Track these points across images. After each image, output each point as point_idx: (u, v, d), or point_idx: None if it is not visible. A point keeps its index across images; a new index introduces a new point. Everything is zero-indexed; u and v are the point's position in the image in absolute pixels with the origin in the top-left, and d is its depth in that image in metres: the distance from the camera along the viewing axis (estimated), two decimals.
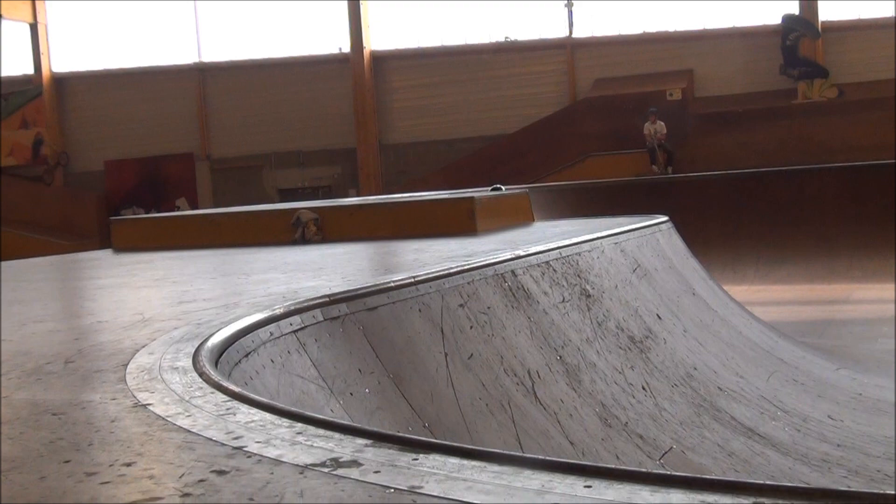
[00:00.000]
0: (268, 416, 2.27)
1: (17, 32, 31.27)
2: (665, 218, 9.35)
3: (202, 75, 29.75)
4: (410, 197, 12.37)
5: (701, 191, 17.13)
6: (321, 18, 28.68)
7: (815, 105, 23.12)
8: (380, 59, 27.83)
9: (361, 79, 27.51)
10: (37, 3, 30.72)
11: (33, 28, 30.95)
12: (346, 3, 27.60)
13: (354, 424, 2.54)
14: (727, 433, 6.33)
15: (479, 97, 26.68)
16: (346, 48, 27.88)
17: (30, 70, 31.29)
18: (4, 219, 29.75)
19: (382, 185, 26.92)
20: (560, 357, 5.77)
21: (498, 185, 14.61)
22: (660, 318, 7.29)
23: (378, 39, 27.88)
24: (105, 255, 10.08)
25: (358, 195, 25.30)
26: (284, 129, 28.45)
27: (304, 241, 9.35)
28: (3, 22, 30.55)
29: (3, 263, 10.33)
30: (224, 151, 29.53)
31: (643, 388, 6.21)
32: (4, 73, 31.39)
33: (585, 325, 6.33)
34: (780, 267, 15.40)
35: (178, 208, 28.54)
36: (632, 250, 7.84)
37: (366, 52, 27.55)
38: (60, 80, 31.31)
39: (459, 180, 21.76)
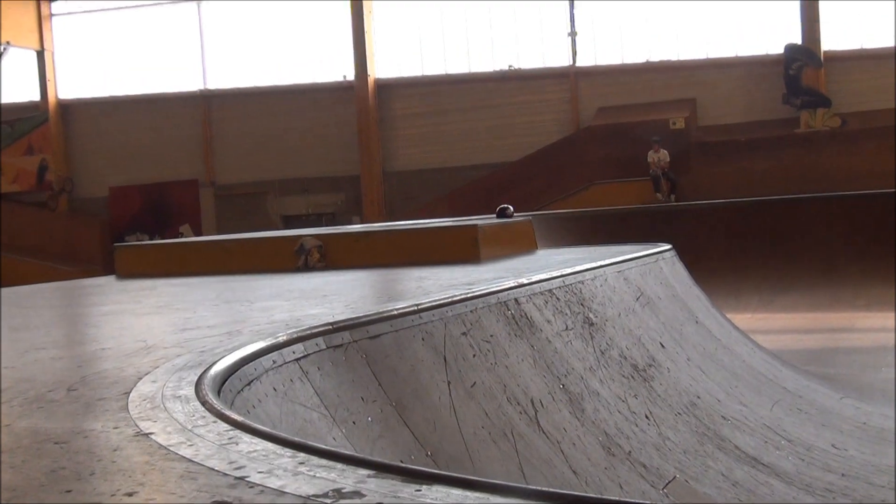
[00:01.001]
0: (270, 445, 2.27)
1: (24, 59, 31.47)
2: (668, 246, 9.34)
3: (207, 102, 29.89)
4: (414, 224, 12.39)
5: (704, 219, 17.14)
6: (326, 46, 28.82)
7: (817, 134, 23.17)
8: (384, 86, 27.95)
9: (366, 106, 27.62)
10: (44, 30, 30.94)
11: (40, 55, 31.15)
12: (350, 31, 27.76)
13: (357, 455, 2.53)
14: (731, 462, 6.30)
15: (483, 125, 26.76)
16: (351, 76, 28.01)
17: (36, 96, 31.47)
18: (9, 245, 29.80)
19: (386, 213, 26.96)
20: (563, 385, 5.75)
21: (506, 206, 14.53)
22: (663, 346, 7.27)
23: (382, 67, 28.01)
24: (108, 282, 10.09)
25: (361, 222, 25.34)
26: (289, 156, 28.53)
27: (308, 268, 9.35)
28: (11, 49, 30.76)
29: (7, 289, 10.34)
30: (228, 178, 29.61)
31: (646, 417, 6.19)
32: (11, 100, 31.57)
33: (588, 353, 6.32)
34: (784, 295, 15.37)
35: (182, 235, 28.58)
36: (635, 278, 7.84)
37: (370, 80, 27.68)
38: (66, 107, 31.46)
39: (463, 208, 21.79)
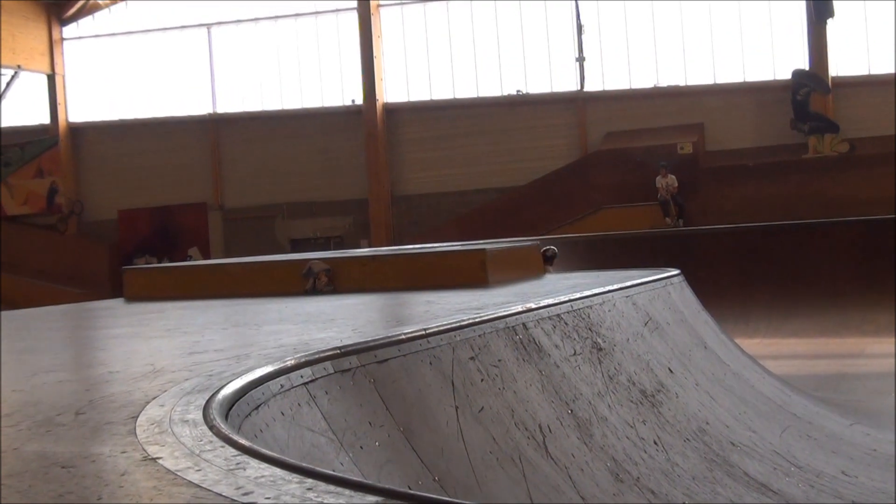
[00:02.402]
0: (278, 471, 2.26)
1: (35, 83, 31.68)
2: (677, 271, 9.33)
3: (216, 126, 30.01)
4: (422, 248, 12.40)
5: (712, 244, 17.12)
6: (335, 71, 28.96)
7: (825, 159, 23.17)
8: (392, 111, 28.05)
9: (374, 131, 27.71)
10: (55, 54, 31.15)
11: (51, 79, 31.35)
12: (359, 56, 27.89)
13: (365, 481, 2.52)
14: (740, 489, 6.26)
15: (491, 149, 26.81)
16: (360, 100, 28.12)
17: (46, 120, 31.65)
18: (18, 267, 29.90)
19: (394, 237, 26.98)
20: (571, 411, 5.73)
21: (550, 247, 14.45)
22: (672, 371, 7.25)
23: (391, 92, 28.12)
24: (117, 305, 10.10)
25: (369, 246, 25.36)
26: (297, 180, 28.61)
27: (316, 291, 9.36)
28: (22, 72, 30.97)
29: (15, 312, 10.35)
30: (237, 201, 29.69)
31: (655, 443, 6.16)
32: (22, 123, 31.76)
33: (597, 378, 6.30)
34: (793, 320, 15.32)
35: (191, 257, 28.63)
36: (643, 303, 7.82)
37: (379, 105, 27.77)
38: (76, 130, 31.63)
39: (471, 232, 21.81)
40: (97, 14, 30.88)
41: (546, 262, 12.85)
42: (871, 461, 7.51)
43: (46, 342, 6.74)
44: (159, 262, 26.66)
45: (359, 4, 27.82)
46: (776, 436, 7.40)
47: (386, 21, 28.17)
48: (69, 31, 31.51)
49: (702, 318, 9.11)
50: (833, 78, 24.18)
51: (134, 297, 10.28)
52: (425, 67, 28.00)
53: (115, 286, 16.43)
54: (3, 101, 31.78)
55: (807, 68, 24.26)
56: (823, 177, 22.15)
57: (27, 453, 2.66)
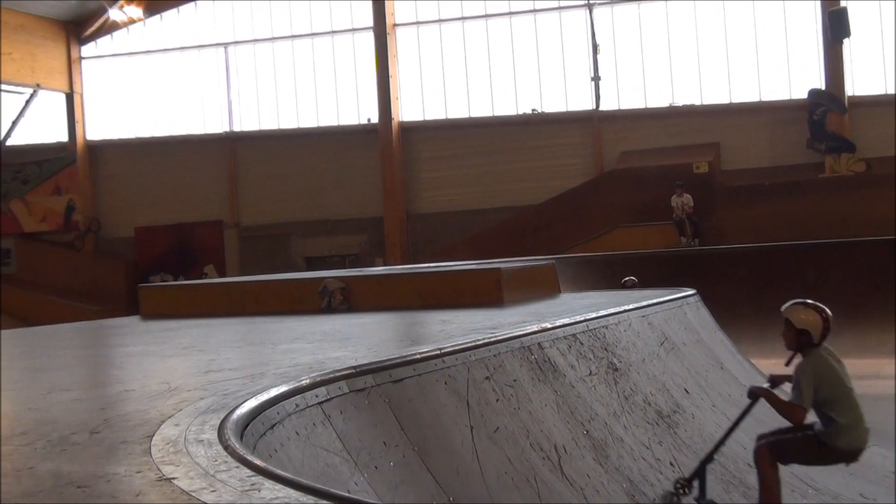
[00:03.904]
0: (293, 492, 2.25)
1: (54, 101, 31.91)
2: (693, 291, 9.30)
3: (232, 144, 30.11)
4: (437, 267, 12.40)
5: (728, 264, 17.05)
6: (351, 90, 29.05)
7: (842, 179, 23.06)
8: (408, 129, 28.08)
9: (389, 149, 27.75)
10: (73, 73, 31.39)
11: (69, 97, 31.56)
12: (375, 75, 27.97)
13: (379, 503, 2.51)
14: None
15: (506, 168, 26.80)
16: (375, 119, 28.18)
17: (64, 138, 31.85)
18: (35, 284, 30.05)
19: (409, 255, 26.96)
20: (587, 431, 5.70)
21: (631, 278, 14.43)
22: (688, 392, 7.21)
23: (407, 110, 28.17)
24: (133, 322, 10.13)
25: (384, 264, 25.36)
26: (312, 198, 28.65)
27: (331, 310, 9.36)
28: (41, 91, 31.21)
29: (32, 329, 10.40)
30: (253, 219, 29.76)
31: (671, 464, 6.13)
32: (40, 140, 31.98)
33: (612, 399, 6.27)
34: None
35: (206, 275, 28.68)
36: (659, 323, 7.80)
37: (394, 123, 27.82)
38: (94, 148, 31.81)
39: (486, 251, 21.78)
40: (115, 33, 31.10)
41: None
42: (889, 483, 7.44)
43: (63, 360, 6.76)
44: (175, 280, 26.73)
45: (375, 24, 27.94)
46: None
47: (402, 40, 28.28)
48: (88, 50, 31.75)
49: (718, 338, 9.08)
50: (849, 97, 24.10)
51: (150, 314, 10.31)
52: (441, 86, 28.07)
53: (132, 303, 16.48)
54: (22, 119, 32.02)
55: (823, 88, 24.19)
56: (840, 196, 22.04)
57: (42, 473, 2.66)
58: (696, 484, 5.94)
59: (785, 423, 6.08)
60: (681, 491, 5.84)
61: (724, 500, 6.20)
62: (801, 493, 6.74)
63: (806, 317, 6.10)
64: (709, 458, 6.09)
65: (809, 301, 6.20)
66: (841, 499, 7.03)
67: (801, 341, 6.09)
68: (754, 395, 6.27)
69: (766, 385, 6.35)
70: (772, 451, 6.03)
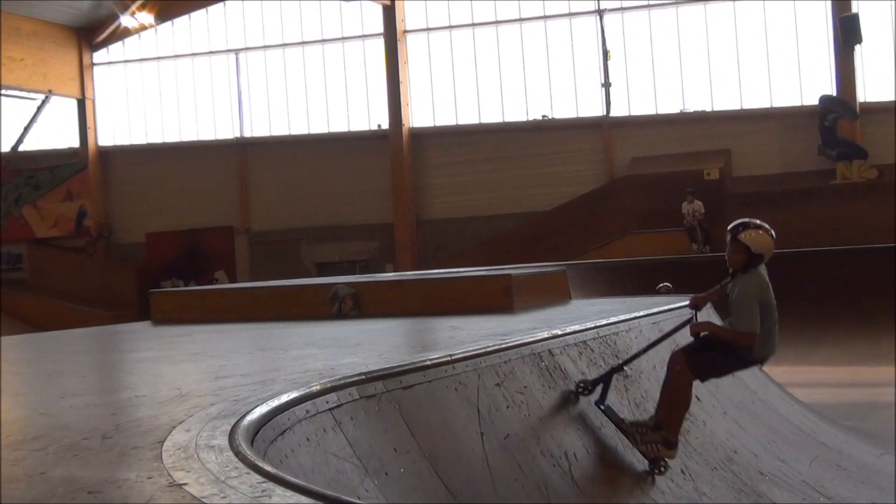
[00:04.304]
0: (303, 499, 2.25)
1: (66, 107, 32.04)
2: None
3: (243, 150, 30.18)
4: (447, 273, 12.40)
5: None
6: (361, 96, 29.10)
7: (854, 186, 22.99)
8: (418, 136, 28.11)
9: (400, 155, 27.78)
10: (85, 79, 31.51)
11: (81, 103, 31.68)
12: (385, 81, 28.01)
13: None
14: None
15: (517, 174, 26.79)
16: (386, 125, 28.22)
17: (76, 143, 31.96)
18: (47, 289, 30.15)
19: (419, 261, 26.97)
20: (598, 438, 5.69)
21: (665, 284, 14.36)
22: (699, 399, 7.18)
23: (417, 116, 28.20)
24: (144, 327, 10.15)
25: (395, 270, 25.37)
26: (323, 204, 28.69)
27: (341, 315, 9.36)
28: (53, 97, 31.34)
29: (44, 334, 10.43)
30: (263, 225, 29.81)
31: (682, 472, 6.10)
32: (52, 146, 32.11)
33: (623, 405, 6.25)
34: (821, 348, 15.16)
35: (217, 281, 28.73)
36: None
37: (404, 130, 27.85)
38: (105, 154, 31.92)
39: (496, 257, 21.78)
40: (127, 40, 31.21)
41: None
42: None
43: (74, 365, 6.78)
44: (186, 285, 26.79)
45: (385, 30, 27.99)
46: (805, 465, 7.31)
47: (412, 47, 28.33)
48: (99, 56, 31.88)
49: None
50: (861, 104, 24.03)
51: (161, 319, 10.32)
52: (451, 92, 28.09)
53: (143, 308, 16.52)
54: (35, 125, 32.16)
55: (834, 94, 24.13)
56: (851, 203, 21.97)
57: (54, 478, 2.67)
58: (598, 389, 5.88)
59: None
60: (581, 392, 5.81)
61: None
62: (814, 500, 6.71)
63: (763, 241, 6.11)
64: (619, 368, 6.06)
65: (757, 221, 6.20)
66: None
67: (750, 263, 6.02)
68: (696, 306, 6.22)
69: (692, 314, 6.26)
70: (690, 365, 5.92)
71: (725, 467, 6.48)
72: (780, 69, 25.12)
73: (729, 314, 6.03)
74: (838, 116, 23.60)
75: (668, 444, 5.76)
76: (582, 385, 5.86)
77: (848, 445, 8.36)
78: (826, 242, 19.05)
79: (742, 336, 5.84)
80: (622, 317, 7.35)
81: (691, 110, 25.88)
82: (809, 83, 24.72)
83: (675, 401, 5.90)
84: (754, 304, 5.86)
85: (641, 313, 7.69)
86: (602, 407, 5.85)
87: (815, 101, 23.99)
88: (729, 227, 6.05)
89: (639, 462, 5.80)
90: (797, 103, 24.78)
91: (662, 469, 5.74)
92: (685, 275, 16.60)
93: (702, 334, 5.97)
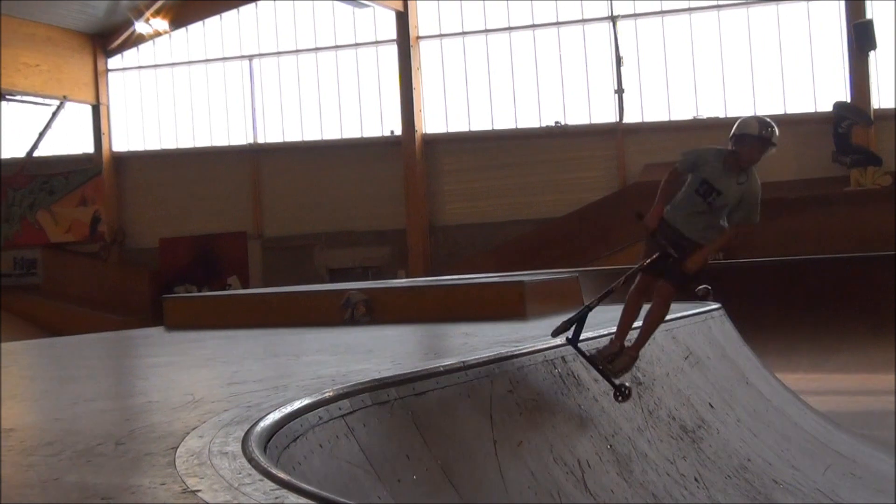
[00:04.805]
0: None
1: (80, 113, 32.18)
2: (717, 305, 9.25)
3: (257, 156, 30.26)
4: (460, 279, 12.38)
5: (754, 277, 16.91)
6: (374, 102, 29.14)
7: (868, 192, 22.87)
8: (431, 142, 28.13)
9: (413, 161, 27.80)
10: (100, 85, 31.64)
11: (95, 109, 31.82)
12: (398, 88, 28.05)
13: None
14: None
15: (529, 181, 26.76)
16: (398, 131, 28.25)
17: (90, 149, 32.10)
18: (61, 294, 30.26)
19: (432, 267, 26.96)
20: (610, 446, 5.67)
21: (705, 286, 14.32)
22: (712, 407, 7.16)
23: (430, 123, 28.22)
24: (157, 333, 10.18)
25: (407, 276, 25.36)
26: (335, 210, 28.72)
27: (354, 321, 9.37)
28: (68, 103, 31.48)
29: (58, 339, 10.47)
30: (276, 230, 29.86)
31: (696, 480, 6.08)
32: (67, 152, 32.25)
33: (636, 413, 6.23)
34: (836, 355, 15.08)
35: (230, 286, 28.79)
36: (684, 338, 7.75)
37: (417, 136, 27.87)
38: (119, 159, 32.04)
39: (509, 263, 21.74)
40: (142, 46, 31.35)
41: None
42: None
43: (88, 370, 6.80)
44: (199, 291, 26.85)
45: (398, 37, 28.04)
46: (819, 474, 7.27)
47: (425, 53, 28.35)
48: (114, 62, 32.02)
49: (743, 353, 9.01)
50: (875, 110, 23.92)
51: (174, 325, 10.35)
52: (464, 99, 28.11)
53: (156, 314, 16.57)
54: (50, 131, 32.32)
55: (848, 100, 24.03)
56: (866, 210, 21.87)
57: (67, 484, 2.67)
58: (573, 328, 5.90)
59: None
60: (556, 334, 5.89)
61: None
62: None
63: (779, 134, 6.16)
64: (593, 305, 6.07)
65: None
66: None
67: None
68: (652, 229, 6.23)
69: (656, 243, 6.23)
70: (677, 285, 6.13)
71: (739, 475, 6.45)
72: (793, 75, 25.05)
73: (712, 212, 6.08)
74: (852, 123, 23.51)
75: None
76: (558, 328, 5.90)
77: (862, 454, 8.32)
78: (840, 249, 18.95)
79: (738, 229, 6.16)
80: (635, 324, 7.32)
81: (704, 116, 25.82)
82: (823, 89, 24.63)
83: (655, 327, 6.21)
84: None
85: None
86: (576, 346, 5.95)
87: (829, 108, 23.90)
88: (760, 130, 6.09)
89: (653, 471, 5.77)
90: (811, 109, 24.70)
91: (627, 393, 5.87)
92: (698, 282, 16.55)
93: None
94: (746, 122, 6.17)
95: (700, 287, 13.54)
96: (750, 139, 6.06)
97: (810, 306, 16.04)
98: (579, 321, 5.95)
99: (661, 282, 6.19)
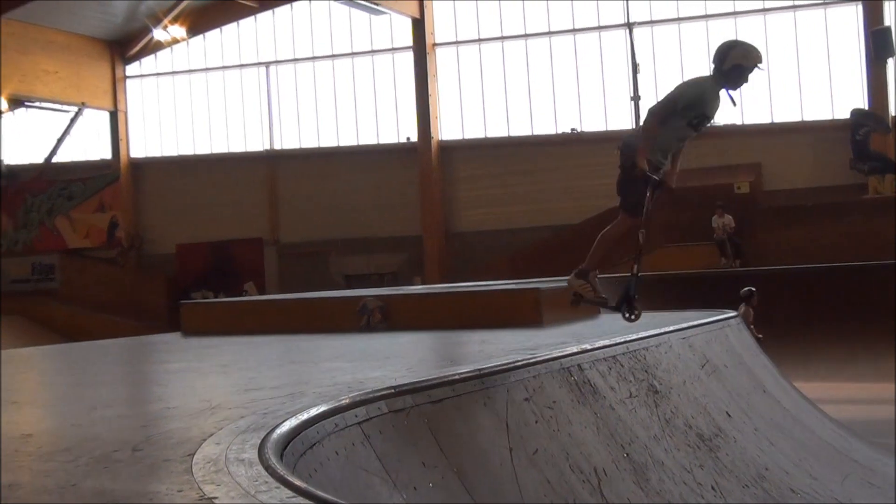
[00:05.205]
0: None
1: (98, 119, 32.37)
2: (734, 313, 9.21)
3: (273, 162, 30.36)
4: (476, 286, 12.38)
5: (770, 285, 16.84)
6: (390, 109, 29.21)
7: (886, 200, 22.74)
8: (447, 148, 28.16)
9: (429, 168, 27.84)
10: (118, 91, 31.82)
11: (113, 115, 32.00)
12: (414, 94, 28.10)
13: None
14: None
15: (545, 187, 26.75)
16: (415, 138, 28.29)
17: (108, 155, 32.28)
18: (78, 299, 30.41)
19: (448, 274, 26.95)
20: (627, 454, 5.65)
21: (749, 288, 14.49)
22: (729, 415, 7.13)
23: (446, 129, 28.25)
24: (174, 339, 10.21)
25: (423, 283, 25.37)
26: (352, 216, 28.77)
27: (370, 328, 9.37)
28: (86, 109, 31.68)
29: (75, 344, 10.51)
30: (292, 237, 29.94)
31: (713, 489, 6.05)
32: (85, 158, 32.45)
33: (653, 421, 6.21)
34: (853, 364, 15.00)
35: (246, 292, 28.86)
36: (701, 346, 7.72)
37: (433, 142, 27.91)
38: (137, 166, 32.21)
39: (525, 270, 21.71)
40: (159, 53, 31.52)
41: (747, 303, 13.17)
42: None
43: (106, 376, 6.83)
44: (215, 297, 26.93)
45: (415, 44, 28.09)
46: (837, 483, 7.23)
47: (441, 60, 28.40)
48: (132, 69, 32.21)
49: (760, 361, 8.97)
50: (893, 117, 23.80)
51: (191, 331, 10.37)
52: (480, 105, 28.13)
53: (173, 319, 16.61)
54: (68, 137, 32.52)
55: (866, 107, 23.93)
56: (884, 218, 21.73)
57: (85, 490, 2.68)
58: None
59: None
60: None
61: None
62: None
63: None
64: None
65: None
66: None
67: None
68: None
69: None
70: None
71: (756, 484, 6.42)
72: (811, 82, 24.95)
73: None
74: (870, 130, 23.39)
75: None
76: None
77: (880, 463, 8.26)
78: (857, 257, 18.85)
79: None
80: (652, 331, 7.31)
81: (721, 124, 25.73)
82: (841, 96, 24.54)
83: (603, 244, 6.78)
84: None
85: (671, 328, 7.64)
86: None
87: (847, 115, 23.80)
88: (756, 62, 6.28)
89: (670, 479, 5.75)
90: (828, 117, 24.61)
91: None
92: (716, 290, 16.50)
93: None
94: (743, 51, 6.28)
95: (744, 289, 13.59)
96: (748, 71, 6.19)
97: (828, 314, 15.97)
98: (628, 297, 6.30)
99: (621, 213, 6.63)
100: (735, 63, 6.07)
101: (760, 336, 15.17)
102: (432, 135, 27.91)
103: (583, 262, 6.56)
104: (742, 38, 6.35)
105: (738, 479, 6.33)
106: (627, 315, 6.20)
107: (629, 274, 6.32)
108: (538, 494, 4.68)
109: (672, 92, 6.24)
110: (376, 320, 9.45)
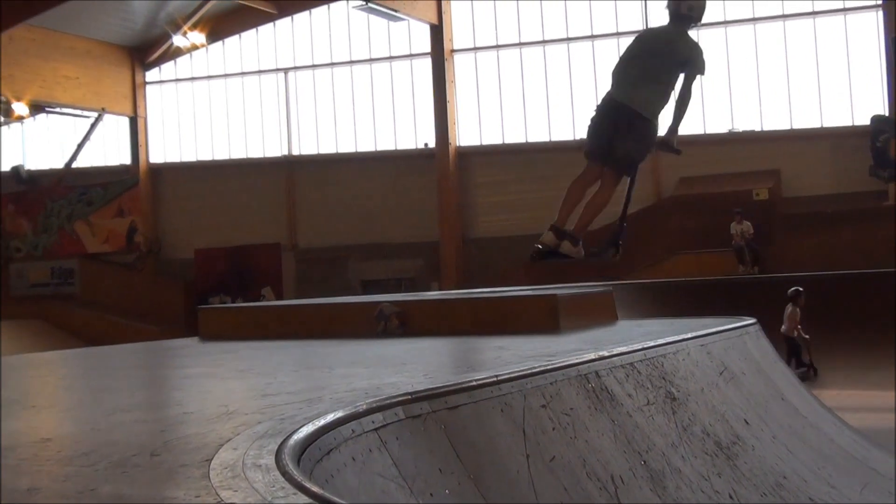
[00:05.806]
0: None
1: (118, 125, 32.60)
2: (753, 320, 9.15)
3: (291, 168, 30.49)
4: (493, 292, 12.37)
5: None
6: (408, 115, 29.29)
7: None
8: (465, 154, 28.20)
9: (446, 174, 27.89)
10: (137, 97, 32.03)
11: (133, 121, 32.22)
12: (432, 100, 28.16)
13: None
14: None
15: (563, 194, 26.62)
16: (432, 144, 28.35)
17: (127, 160, 32.50)
18: (96, 303, 30.59)
19: (465, 279, 26.97)
20: (644, 462, 5.63)
21: (797, 288, 14.54)
22: (748, 423, 7.09)
23: (463, 135, 28.30)
24: (192, 343, 10.24)
25: (440, 288, 25.38)
26: (369, 222, 28.86)
27: (387, 334, 9.37)
28: (106, 115, 31.89)
29: (94, 349, 10.56)
30: (310, 242, 30.05)
31: (731, 497, 6.02)
32: (105, 163, 32.66)
33: (670, 429, 6.18)
34: (872, 371, 14.90)
35: (264, 297, 28.97)
36: (718, 353, 7.68)
37: (451, 148, 27.96)
38: (156, 171, 32.41)
39: (542, 276, 21.67)
40: (179, 59, 31.72)
41: (794, 303, 13.24)
42: None
43: (124, 380, 6.86)
44: (233, 302, 27.03)
45: (433, 50, 28.16)
46: (856, 492, 7.18)
47: (459, 66, 28.45)
48: (151, 75, 32.42)
49: (778, 369, 8.92)
50: None
51: (209, 336, 10.40)
52: (498, 111, 28.16)
53: (191, 324, 16.68)
54: (88, 143, 32.74)
55: (886, 114, 23.82)
56: None
57: (102, 495, 2.69)
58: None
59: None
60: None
61: None
62: None
63: None
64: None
65: None
66: None
67: None
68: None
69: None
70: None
71: (775, 493, 6.38)
72: (830, 89, 24.84)
73: None
74: (890, 136, 23.29)
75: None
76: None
77: None
78: (877, 264, 18.74)
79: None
80: (669, 338, 7.28)
81: (740, 130, 25.66)
82: (861, 103, 24.43)
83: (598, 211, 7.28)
84: None
85: (689, 335, 7.61)
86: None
87: (867, 122, 23.70)
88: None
89: (687, 487, 5.72)
90: (848, 123, 24.50)
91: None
92: (734, 296, 16.44)
93: None
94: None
95: (792, 289, 13.63)
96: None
97: (847, 322, 15.88)
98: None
99: (606, 169, 7.13)
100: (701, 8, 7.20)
101: (807, 336, 15.15)
102: (450, 141, 27.95)
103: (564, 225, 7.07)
104: None
105: (756, 487, 6.30)
106: (613, 254, 6.71)
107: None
108: (555, 501, 4.67)
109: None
110: (393, 326, 9.45)
